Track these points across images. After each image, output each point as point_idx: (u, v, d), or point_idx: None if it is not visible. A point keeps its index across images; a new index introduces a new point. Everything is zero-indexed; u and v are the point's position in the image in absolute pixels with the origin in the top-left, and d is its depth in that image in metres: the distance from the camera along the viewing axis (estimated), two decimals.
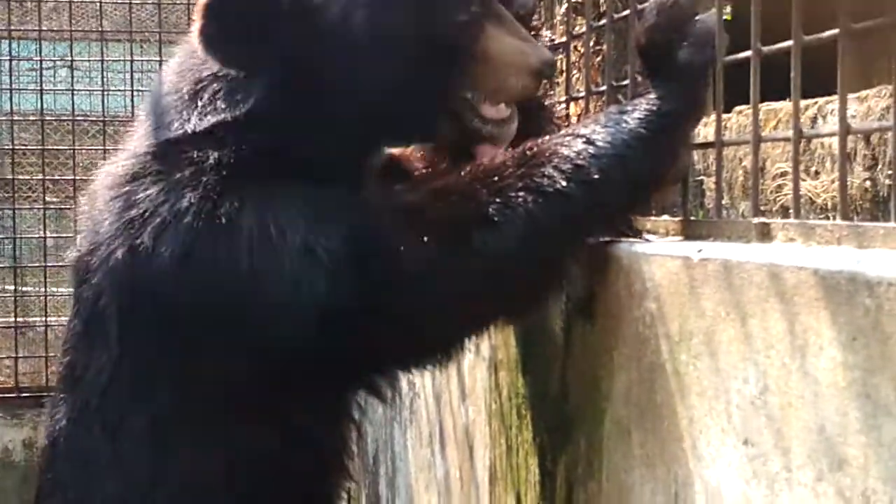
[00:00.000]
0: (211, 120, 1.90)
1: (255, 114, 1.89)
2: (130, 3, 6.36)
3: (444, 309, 1.88)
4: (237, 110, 1.89)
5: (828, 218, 1.68)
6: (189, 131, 1.91)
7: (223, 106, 1.90)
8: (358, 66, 1.94)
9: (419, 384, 3.27)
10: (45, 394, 5.58)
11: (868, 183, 2.06)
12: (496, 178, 1.81)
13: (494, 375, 2.54)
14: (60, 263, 6.21)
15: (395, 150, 2.29)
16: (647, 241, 1.87)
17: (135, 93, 6.20)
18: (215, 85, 1.92)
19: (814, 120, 2.19)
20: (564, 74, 2.48)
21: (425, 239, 1.80)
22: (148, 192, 1.84)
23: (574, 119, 2.33)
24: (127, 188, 1.88)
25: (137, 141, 2.00)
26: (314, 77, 1.92)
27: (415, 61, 1.97)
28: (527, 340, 2.31)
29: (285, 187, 1.83)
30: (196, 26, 1.87)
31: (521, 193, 1.77)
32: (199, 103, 1.92)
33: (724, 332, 1.50)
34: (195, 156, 1.86)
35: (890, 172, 1.51)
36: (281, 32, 1.89)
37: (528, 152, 1.83)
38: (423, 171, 2.19)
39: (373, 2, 1.94)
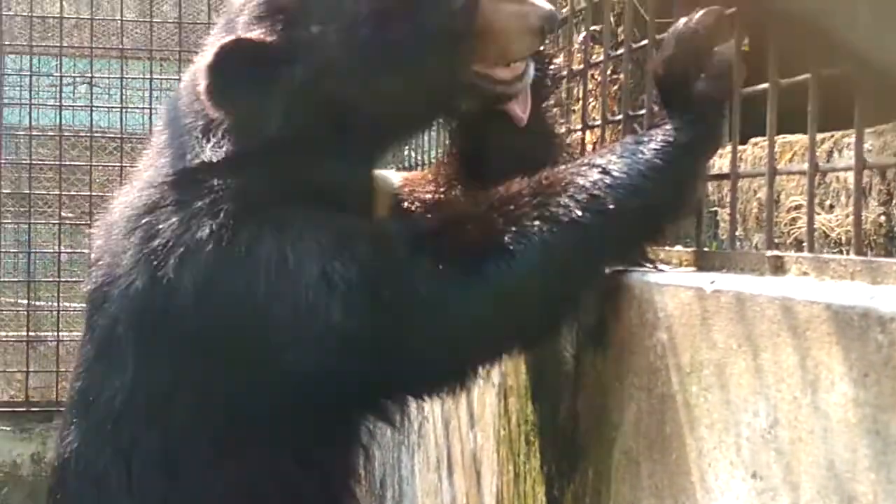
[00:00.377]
0: (227, 150, 1.90)
1: (269, 144, 1.89)
2: (151, 23, 6.39)
3: (458, 338, 1.87)
4: (252, 141, 1.90)
5: (841, 252, 1.68)
6: (206, 161, 1.91)
7: (238, 137, 1.91)
8: (370, 78, 1.94)
9: (428, 409, 3.26)
10: (54, 409, 5.61)
11: (883, 218, 2.06)
12: (511, 207, 1.81)
13: (504, 402, 2.53)
14: (74, 279, 6.25)
15: (409, 176, 2.29)
16: (660, 270, 1.87)
17: (153, 111, 6.23)
18: (228, 119, 1.92)
19: (830, 153, 2.19)
20: (581, 102, 2.49)
21: (440, 267, 1.81)
22: (169, 221, 1.84)
23: (590, 147, 2.33)
24: (147, 219, 1.88)
25: (154, 168, 2.00)
26: (324, 104, 1.93)
27: (423, 56, 1.97)
28: (537, 368, 2.31)
29: (301, 216, 1.84)
30: (201, 86, 1.86)
31: (536, 223, 1.77)
32: (216, 133, 1.92)
33: (736, 364, 1.49)
34: (214, 184, 1.86)
35: None
36: (287, 72, 1.89)
37: (543, 181, 1.83)
38: (437, 196, 2.19)
39: (374, 15, 1.93)
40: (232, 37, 1.91)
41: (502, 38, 1.99)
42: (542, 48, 2.10)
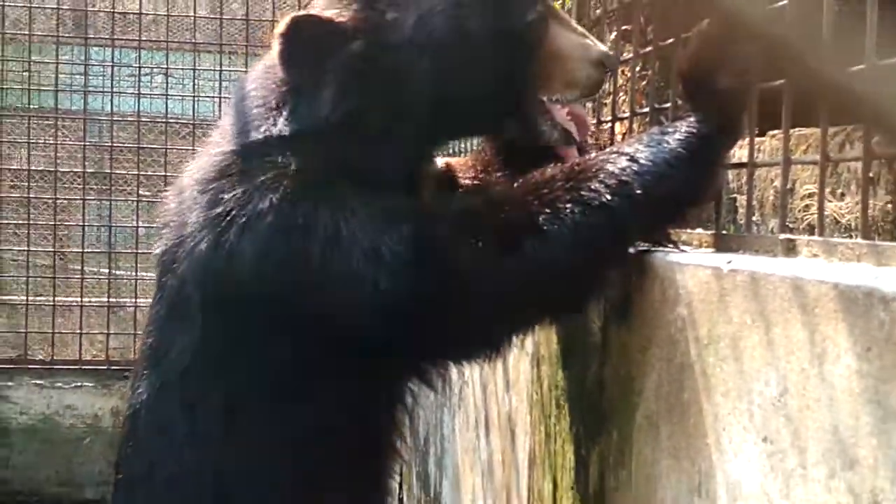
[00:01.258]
0: (290, 128, 1.91)
1: (328, 124, 1.90)
2: (221, 19, 6.42)
3: (494, 309, 1.87)
4: (309, 120, 1.91)
5: (850, 237, 1.67)
6: (271, 136, 1.92)
7: (300, 116, 1.92)
8: (437, 69, 1.94)
9: (467, 374, 3.28)
10: (132, 368, 5.62)
11: (890, 206, 2.04)
12: (546, 191, 1.80)
13: (537, 369, 2.54)
14: (149, 251, 6.30)
15: (451, 161, 2.30)
16: (682, 251, 1.86)
17: (222, 99, 6.29)
18: (294, 96, 1.93)
19: (842, 145, 2.18)
20: (611, 97, 2.48)
21: (479, 244, 1.81)
22: (234, 191, 1.85)
23: (619, 138, 2.33)
24: (214, 186, 1.89)
25: (222, 143, 2.01)
26: (384, 88, 1.93)
27: (492, 60, 1.97)
28: (567, 338, 2.31)
29: (355, 194, 1.84)
30: (275, 49, 1.89)
31: (568, 205, 1.77)
32: (280, 112, 1.93)
33: (749, 337, 1.49)
34: (277, 159, 1.87)
35: None
36: (352, 51, 1.89)
37: (576, 167, 1.83)
38: (476, 180, 2.19)
39: (451, 7, 1.93)
40: (303, 13, 1.94)
41: (568, 64, 1.99)
42: (602, 85, 2.10)
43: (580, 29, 2.07)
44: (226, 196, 1.86)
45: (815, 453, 1.32)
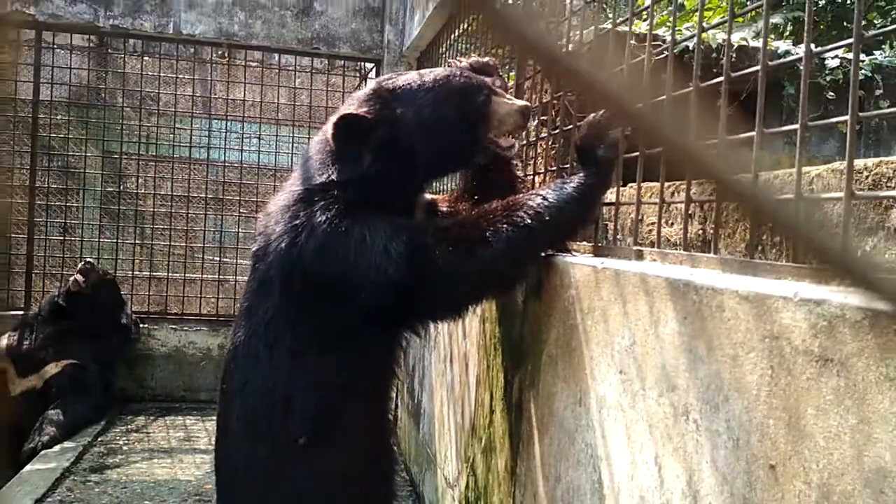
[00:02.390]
0: (336, 177, 1.93)
1: (361, 175, 1.91)
2: (294, 105, 6.41)
3: (458, 289, 1.89)
4: (351, 174, 1.92)
5: (676, 249, 1.69)
6: (324, 182, 1.93)
7: (344, 171, 1.93)
8: (429, 140, 1.95)
9: (440, 328, 3.28)
10: (231, 319, 5.68)
11: (700, 231, 2.06)
12: (492, 216, 1.82)
13: (483, 325, 2.55)
14: (246, 247, 6.31)
15: (435, 196, 2.30)
16: (573, 255, 1.88)
17: (293, 154, 6.33)
18: (341, 160, 1.95)
19: (673, 193, 2.19)
20: (534, 160, 2.50)
21: (450, 248, 1.83)
22: (304, 212, 1.87)
23: (537, 185, 2.34)
24: (292, 209, 1.91)
25: (295, 185, 2.02)
26: (396, 154, 1.93)
27: (461, 127, 1.99)
28: (502, 307, 2.32)
29: (376, 215, 1.86)
30: (330, 131, 1.92)
31: (504, 226, 1.79)
32: (332, 168, 1.94)
33: (613, 309, 1.51)
34: (328, 195, 1.89)
35: (713, 226, 1.52)
36: (379, 135, 1.91)
37: (510, 203, 1.84)
38: (450, 209, 2.20)
39: (434, 103, 1.96)
40: (348, 111, 1.94)
41: (504, 117, 2.01)
42: (525, 127, 2.12)
43: (507, 96, 2.09)
44: (300, 214, 1.88)
45: (650, 381, 1.33)
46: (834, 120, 1.15)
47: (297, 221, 1.87)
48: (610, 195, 1.88)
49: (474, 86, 2.03)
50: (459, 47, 3.80)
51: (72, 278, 5.33)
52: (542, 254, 1.91)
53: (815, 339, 0.92)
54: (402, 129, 1.94)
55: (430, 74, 2.05)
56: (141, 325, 6.02)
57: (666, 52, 1.64)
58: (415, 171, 2.00)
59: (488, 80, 2.07)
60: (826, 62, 5.15)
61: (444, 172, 2.32)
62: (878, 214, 1.73)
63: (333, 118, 1.93)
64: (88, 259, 5.60)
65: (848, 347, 0.87)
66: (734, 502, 1.07)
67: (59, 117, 6.42)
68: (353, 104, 2.02)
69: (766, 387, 1.01)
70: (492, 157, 2.07)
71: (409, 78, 2.04)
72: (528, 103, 2.11)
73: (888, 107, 5.07)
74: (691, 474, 1.18)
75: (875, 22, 7.00)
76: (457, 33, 3.99)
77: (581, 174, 1.81)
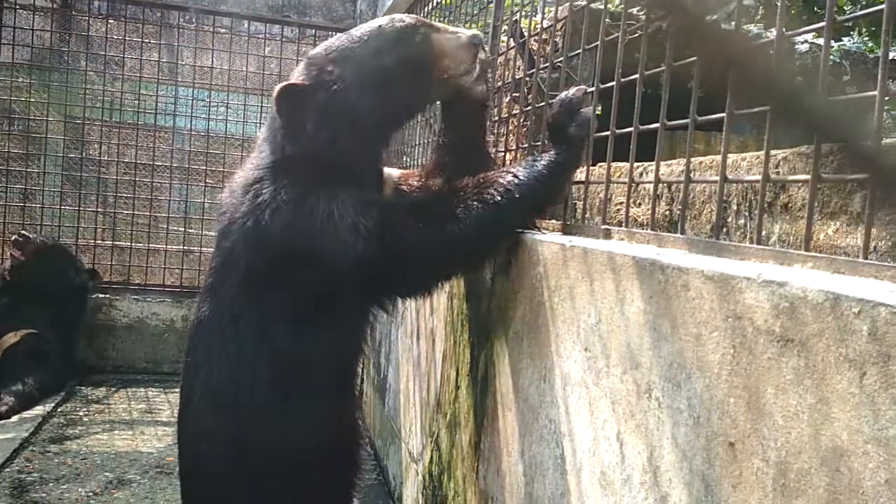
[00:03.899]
0: (290, 151, 1.92)
1: (314, 145, 1.89)
2: (263, 73, 6.33)
3: (427, 265, 1.89)
4: (301, 145, 1.90)
5: (643, 229, 1.70)
6: (283, 156, 1.92)
7: (293, 144, 1.91)
8: (373, 95, 1.91)
9: (408, 303, 3.28)
10: (196, 290, 5.66)
11: (667, 212, 2.08)
12: (462, 194, 1.82)
13: (450, 301, 2.55)
14: (211, 218, 6.25)
15: (404, 172, 2.29)
16: (542, 233, 1.88)
17: (260, 124, 6.25)
18: (288, 133, 1.93)
19: (641, 174, 2.21)
20: (505, 137, 2.49)
21: (420, 225, 1.82)
22: (266, 190, 1.86)
23: (508, 162, 2.34)
24: (254, 187, 1.89)
25: (257, 159, 2.00)
26: (341, 116, 1.90)
27: (405, 75, 1.94)
28: (470, 284, 2.32)
29: (343, 190, 1.84)
30: (273, 108, 1.90)
31: (474, 202, 1.79)
32: (282, 143, 1.93)
33: (580, 287, 1.51)
34: (290, 170, 1.88)
35: (680, 207, 1.53)
36: (316, 101, 1.89)
37: (480, 179, 1.83)
38: (420, 185, 2.19)
39: (372, 57, 1.92)
40: (286, 82, 1.93)
41: (448, 55, 1.96)
42: (478, 59, 2.00)
43: (451, 28, 2.02)
44: (262, 193, 1.86)
45: (615, 359, 1.35)
46: None
47: (261, 199, 1.85)
48: (579, 174, 1.89)
49: (409, 27, 1.97)
50: (434, 20, 3.77)
51: (9, 252, 5.31)
52: (512, 231, 1.91)
53: (776, 319, 0.94)
54: (343, 89, 1.90)
55: (363, 28, 2.01)
56: (99, 286, 5.94)
57: (640, 32, 1.64)
58: (369, 131, 1.95)
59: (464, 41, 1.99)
60: (796, 47, 5.20)
61: (400, 123, 2.24)
62: (841, 199, 1.76)
63: (274, 92, 1.90)
64: (22, 231, 5.53)
65: (809, 328, 0.88)
66: (693, 479, 1.09)
67: (20, 80, 6.25)
68: (295, 74, 2.00)
69: (728, 366, 1.02)
70: (452, 90, 2.01)
71: (343, 38, 2.00)
72: (477, 31, 2.02)
73: (855, 93, 5.13)
74: (652, 451, 1.20)
75: (845, 8, 7.07)
76: (431, 6, 3.96)
77: (552, 152, 1.81)
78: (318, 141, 1.89)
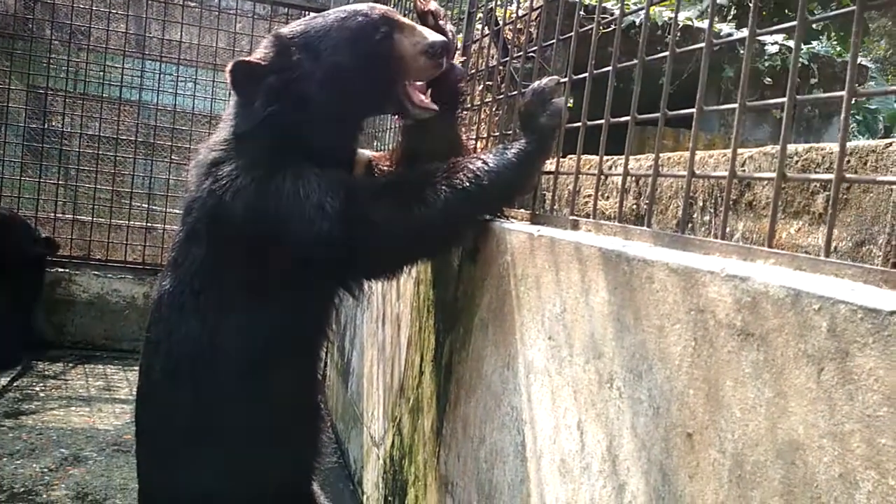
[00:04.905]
0: (242, 128, 1.91)
1: (272, 123, 1.87)
2: (234, 49, 6.24)
3: (393, 248, 1.87)
4: (250, 123, 1.89)
5: (610, 221, 1.71)
6: (241, 132, 1.91)
7: (244, 120, 1.90)
8: (326, 85, 1.88)
9: (374, 287, 3.28)
10: (158, 267, 5.59)
11: (635, 206, 2.10)
12: (432, 178, 1.81)
13: (417, 287, 2.55)
14: (176, 195, 6.17)
15: (375, 153, 2.27)
16: (510, 222, 1.89)
17: (228, 101, 6.17)
18: (241, 109, 1.93)
19: (611, 167, 2.22)
20: (477, 125, 2.49)
21: (387, 207, 1.81)
22: (226, 170, 1.84)
23: (479, 150, 2.34)
24: (219, 164, 1.87)
25: (221, 134, 1.98)
26: (294, 100, 1.88)
27: (359, 76, 1.91)
28: (437, 269, 2.32)
29: (309, 168, 1.82)
30: (228, 80, 1.88)
31: (443, 187, 1.78)
32: (247, 117, 1.91)
33: (546, 276, 1.52)
34: (248, 148, 1.87)
35: (647, 202, 1.55)
36: (269, 82, 1.87)
37: (450, 165, 1.82)
38: (390, 168, 2.18)
39: (331, 49, 1.89)
40: (241, 58, 1.91)
41: (408, 59, 1.92)
42: (441, 67, 1.96)
43: (419, 28, 1.96)
44: (221, 174, 1.85)
45: (578, 348, 1.36)
46: (772, 102, 1.18)
47: (224, 177, 1.83)
48: (549, 164, 1.89)
49: (370, 23, 1.92)
50: (406, 3, 3.74)
51: None
52: (480, 218, 1.90)
53: (738, 313, 0.95)
54: (298, 77, 1.88)
55: (332, 15, 1.97)
56: (59, 259, 5.84)
57: (614, 26, 1.64)
58: (324, 121, 1.91)
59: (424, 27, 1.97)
60: (766, 48, 5.27)
61: (360, 118, 2.17)
62: (804, 199, 1.79)
63: (228, 67, 1.88)
64: None
65: (769, 323, 0.90)
66: (651, 468, 1.10)
67: None
68: (255, 51, 1.98)
69: (689, 358, 1.04)
70: (402, 114, 1.99)
71: (311, 22, 1.97)
72: (443, 38, 1.96)
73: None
74: (612, 440, 1.21)
75: (816, 12, 7.17)
76: None
77: (522, 141, 1.81)
78: (267, 121, 1.87)
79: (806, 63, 5.40)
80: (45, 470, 3.66)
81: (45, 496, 3.37)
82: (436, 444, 2.14)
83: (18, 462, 3.71)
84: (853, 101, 1.01)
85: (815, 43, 5.79)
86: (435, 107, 1.97)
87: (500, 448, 1.67)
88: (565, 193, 2.17)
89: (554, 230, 1.61)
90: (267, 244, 1.82)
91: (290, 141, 1.86)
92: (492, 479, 1.70)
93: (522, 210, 1.94)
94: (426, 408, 2.27)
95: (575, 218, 1.62)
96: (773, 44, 5.31)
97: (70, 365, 5.51)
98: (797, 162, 1.75)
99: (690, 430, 1.02)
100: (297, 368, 2.03)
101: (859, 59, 0.99)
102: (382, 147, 3.85)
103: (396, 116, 2.12)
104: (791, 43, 5.23)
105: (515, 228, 1.73)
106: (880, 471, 0.74)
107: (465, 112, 2.48)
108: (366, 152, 2.24)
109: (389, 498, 2.67)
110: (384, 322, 3.12)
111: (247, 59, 1.91)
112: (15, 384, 4.91)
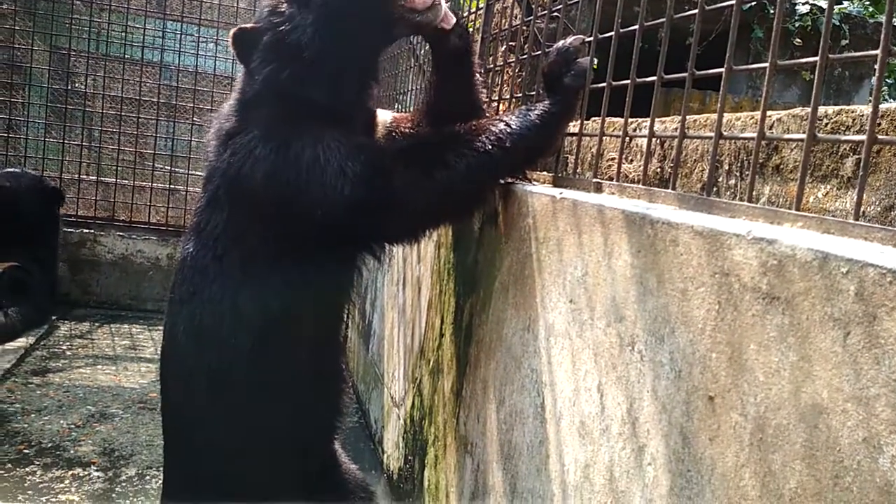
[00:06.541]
0: (253, 91, 1.92)
1: (277, 83, 1.87)
2: (254, 9, 6.21)
3: (416, 212, 1.86)
4: (257, 87, 1.90)
5: (634, 184, 1.69)
6: (252, 95, 1.92)
7: (259, 81, 1.90)
8: (327, 29, 1.85)
9: (395, 250, 3.28)
10: (181, 229, 5.64)
11: (659, 169, 2.08)
12: (453, 140, 1.79)
13: (437, 250, 2.55)
14: (198, 157, 6.20)
15: (396, 115, 2.26)
16: (532, 184, 1.87)
17: None
18: (248, 75, 1.94)
19: (636, 129, 2.19)
20: (499, 86, 2.46)
21: (409, 171, 1.80)
22: (243, 140, 1.85)
23: (501, 112, 2.32)
24: (231, 141, 1.89)
25: (233, 98, 2.00)
26: (292, 56, 1.86)
27: (356, 8, 1.88)
28: (458, 233, 2.32)
29: (328, 133, 1.81)
30: (232, 51, 1.91)
31: (465, 150, 1.76)
32: (251, 82, 1.92)
33: (568, 239, 1.51)
34: (262, 115, 1.87)
35: (671, 165, 1.53)
36: (265, 42, 1.88)
37: (472, 127, 1.81)
38: (412, 131, 2.16)
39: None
40: (239, 27, 1.92)
41: None
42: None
43: None
44: (239, 143, 1.86)
45: (599, 311, 1.36)
46: (803, 61, 1.15)
47: (243, 147, 1.84)
48: (573, 126, 1.87)
49: None
50: None
51: None
52: (502, 180, 1.89)
53: (763, 276, 0.94)
54: (294, 27, 1.86)
55: None
56: (86, 231, 5.90)
57: None
58: (327, 71, 1.88)
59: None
60: (797, 7, 5.15)
61: (364, 62, 2.06)
62: (833, 162, 1.76)
63: (228, 36, 1.90)
64: None
65: (795, 286, 0.89)
66: (671, 431, 1.10)
67: (3, 6, 6.10)
68: (253, 18, 2.01)
69: (712, 321, 1.03)
70: (412, 27, 1.95)
71: None
72: None
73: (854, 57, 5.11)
74: (632, 402, 1.21)
75: None
76: None
77: (546, 102, 1.79)
78: (270, 81, 1.87)
79: (837, 24, 5.27)
80: (73, 426, 3.74)
81: (72, 451, 3.46)
82: (455, 406, 2.15)
83: (46, 418, 3.80)
84: (886, 64, 0.98)
85: (846, 3, 5.64)
86: (442, 5, 1.92)
87: (520, 410, 1.68)
88: (588, 156, 2.15)
89: (577, 193, 1.59)
90: (289, 210, 1.83)
91: (298, 103, 1.85)
92: (511, 441, 1.71)
93: (545, 173, 1.93)
94: (446, 370, 2.29)
95: (598, 181, 1.60)
96: (804, 3, 5.19)
97: (96, 324, 5.60)
98: (827, 124, 1.72)
99: (712, 394, 1.02)
100: (318, 331, 2.05)
101: (893, 21, 0.96)
102: (404, 109, 3.82)
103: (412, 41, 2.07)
104: (822, 3, 5.10)
105: (538, 191, 1.71)
106: None
107: (486, 73, 2.45)
108: (387, 114, 2.22)
109: (409, 457, 2.70)
110: (405, 285, 3.13)
111: (244, 25, 1.92)
112: (42, 343, 5.01)
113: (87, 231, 6.03)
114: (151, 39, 6.32)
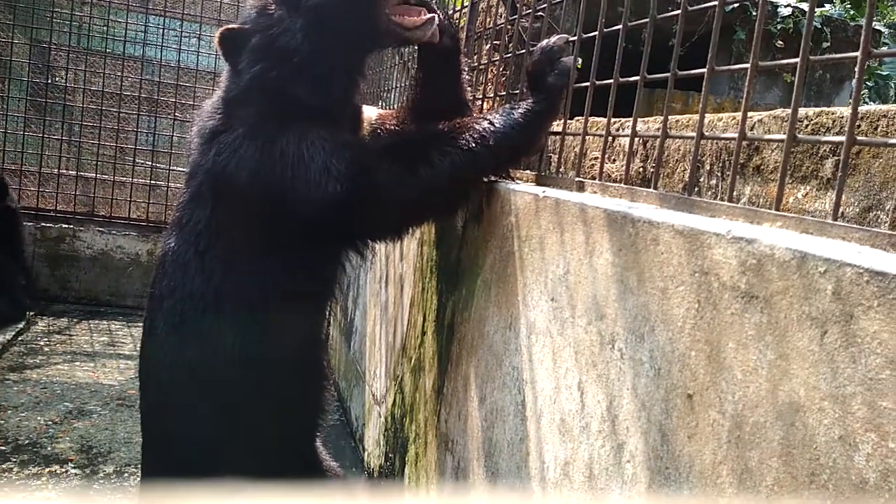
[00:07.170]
0: (236, 90, 1.91)
1: (263, 84, 1.86)
2: (237, 4, 6.17)
3: (399, 211, 1.86)
4: (248, 83, 1.88)
5: (616, 183, 1.70)
6: (236, 94, 1.91)
7: (245, 81, 1.89)
8: (308, 35, 1.85)
9: (378, 248, 3.27)
10: (162, 225, 5.60)
11: (641, 169, 2.08)
12: (437, 138, 1.79)
13: (420, 248, 2.55)
14: (179, 152, 6.15)
15: (381, 112, 2.25)
16: (516, 183, 1.88)
17: None
18: (233, 73, 1.93)
19: (619, 129, 2.20)
20: (483, 84, 2.46)
21: (393, 168, 1.80)
22: (228, 139, 1.84)
23: (486, 110, 2.32)
24: (216, 139, 1.88)
25: (216, 96, 1.99)
26: (279, 56, 1.86)
27: (343, 10, 1.87)
28: (441, 230, 2.32)
29: (312, 130, 1.80)
30: (218, 50, 1.90)
31: (449, 148, 1.76)
32: (237, 82, 1.91)
33: (550, 238, 1.51)
34: (246, 112, 1.86)
35: (654, 165, 1.53)
36: (253, 43, 1.87)
37: (456, 125, 1.81)
38: (397, 128, 2.16)
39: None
40: (227, 27, 1.91)
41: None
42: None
43: None
44: (224, 142, 1.85)
45: (581, 309, 1.36)
46: (785, 62, 1.16)
47: (228, 146, 1.83)
48: (556, 125, 1.87)
49: None
50: None
51: None
52: (486, 178, 1.89)
53: (742, 275, 0.95)
54: (284, 30, 1.86)
55: None
56: (65, 226, 5.83)
57: None
58: (315, 73, 1.88)
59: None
60: (778, 10, 5.19)
61: (348, 65, 2.05)
62: (812, 163, 1.77)
63: (216, 35, 1.89)
64: None
65: (774, 286, 0.89)
66: (650, 428, 1.11)
67: None
68: (239, 17, 1.99)
69: (692, 320, 1.04)
70: (401, 41, 1.97)
71: None
72: None
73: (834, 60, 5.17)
74: (612, 400, 1.22)
75: None
76: None
77: (530, 101, 1.79)
78: (256, 82, 1.86)
79: (819, 26, 5.32)
80: (50, 423, 3.71)
81: (49, 448, 3.42)
82: (437, 403, 2.15)
83: (23, 415, 3.76)
84: (865, 66, 0.99)
85: (828, 6, 5.69)
86: (430, 15, 1.93)
87: (501, 407, 1.68)
88: (572, 155, 2.15)
89: (559, 192, 1.60)
90: (273, 207, 1.82)
91: (285, 102, 1.85)
92: (492, 438, 1.72)
93: (528, 171, 1.93)
94: (428, 367, 2.29)
95: (581, 180, 1.60)
96: (785, 6, 5.23)
97: (75, 320, 5.54)
98: (807, 126, 1.73)
99: (691, 392, 1.03)
100: (301, 327, 2.04)
101: (873, 24, 0.97)
102: (388, 106, 3.82)
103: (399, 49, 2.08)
104: (804, 6, 5.14)
105: (521, 189, 1.72)
106: (880, 433, 0.74)
107: (471, 72, 2.45)
108: (372, 110, 2.22)
109: (390, 455, 2.70)
110: (387, 282, 3.12)
111: (231, 26, 1.91)
112: (20, 338, 4.95)
113: (66, 226, 5.97)
114: (133, 34, 6.27)
